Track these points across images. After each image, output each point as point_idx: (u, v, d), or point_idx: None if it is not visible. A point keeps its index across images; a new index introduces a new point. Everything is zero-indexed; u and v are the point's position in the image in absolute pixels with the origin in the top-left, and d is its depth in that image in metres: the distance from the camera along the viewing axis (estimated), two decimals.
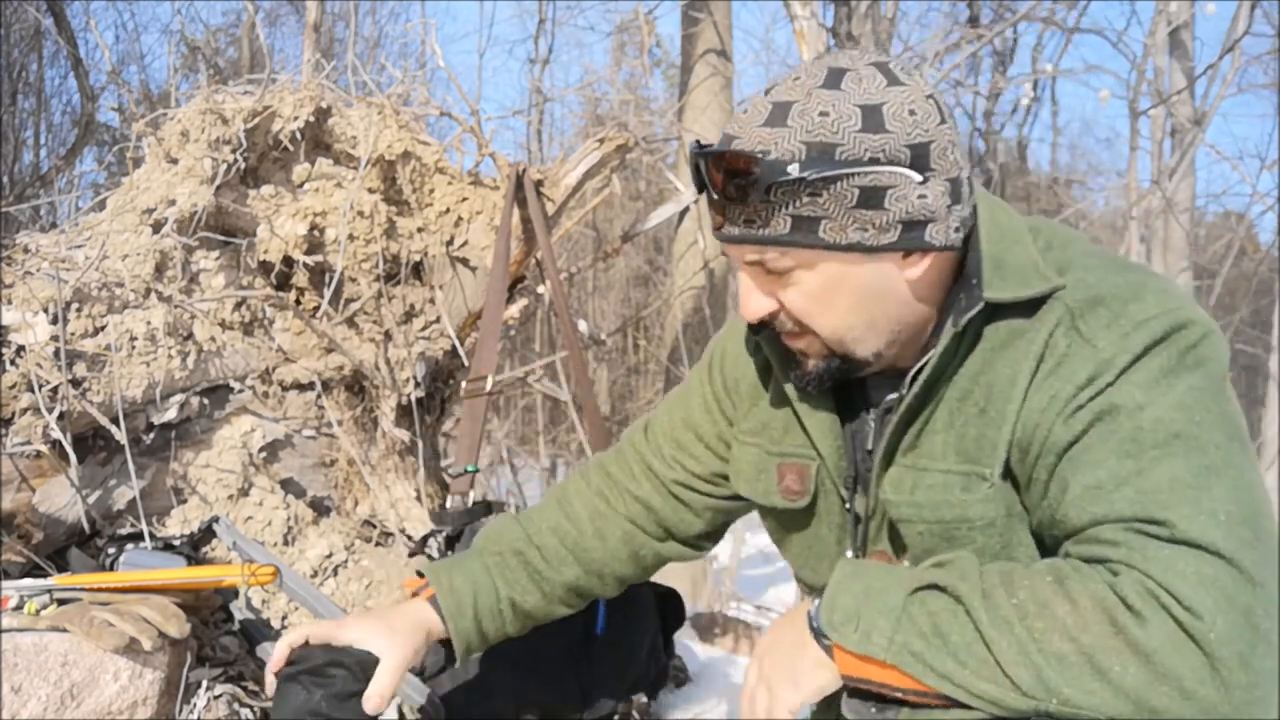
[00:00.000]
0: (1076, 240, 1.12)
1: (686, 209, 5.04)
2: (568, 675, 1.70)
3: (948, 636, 0.94)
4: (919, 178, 1.02)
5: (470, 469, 1.83)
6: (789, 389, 1.22)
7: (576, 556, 1.40)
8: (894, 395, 1.13)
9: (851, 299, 1.07)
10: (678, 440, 1.39)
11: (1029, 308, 1.05)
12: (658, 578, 1.89)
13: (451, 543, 1.73)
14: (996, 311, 1.06)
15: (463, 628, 1.32)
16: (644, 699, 1.74)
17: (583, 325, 3.49)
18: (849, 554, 1.20)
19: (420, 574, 1.37)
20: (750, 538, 6.20)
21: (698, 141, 1.08)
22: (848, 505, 1.19)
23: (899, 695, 0.98)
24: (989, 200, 1.12)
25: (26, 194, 4.95)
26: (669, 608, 1.86)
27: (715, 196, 1.06)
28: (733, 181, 1.03)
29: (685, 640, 2.76)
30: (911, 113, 1.02)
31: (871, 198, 1.02)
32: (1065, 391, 1.00)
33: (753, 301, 1.11)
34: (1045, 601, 0.93)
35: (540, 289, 2.45)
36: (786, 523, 1.28)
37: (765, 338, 1.21)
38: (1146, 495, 0.94)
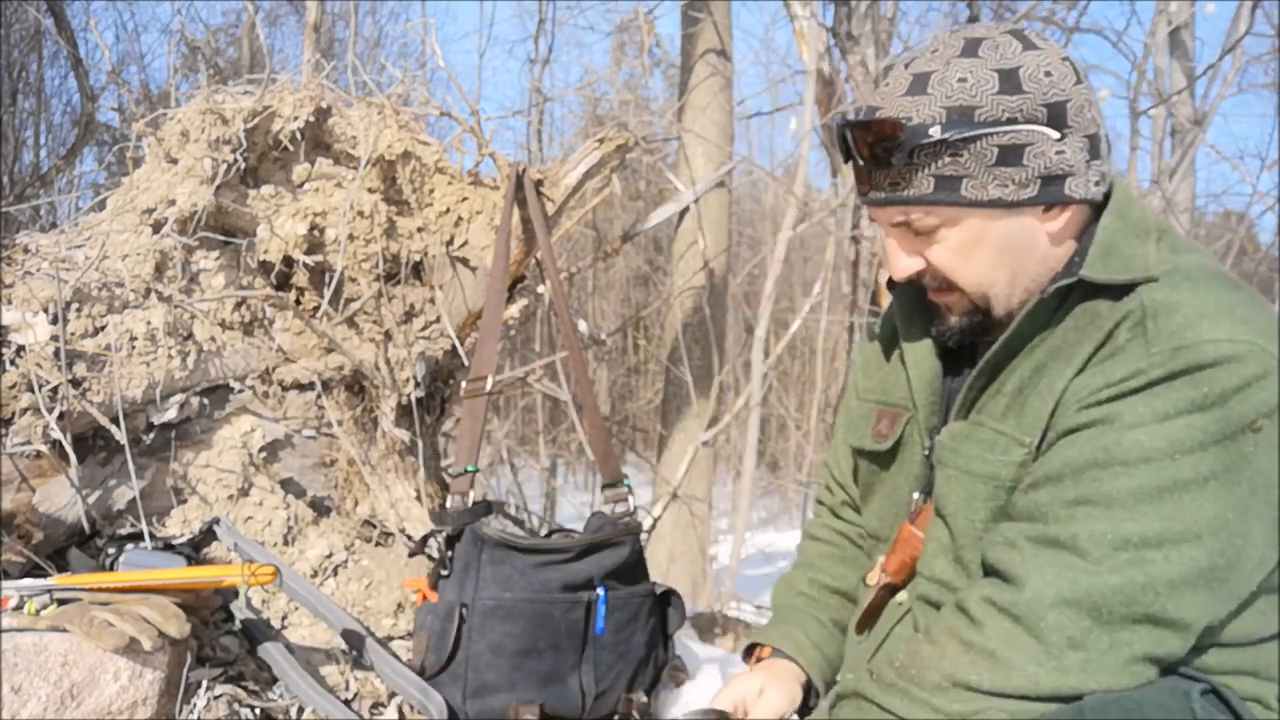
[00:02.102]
0: (1198, 253, 1.14)
1: (686, 209, 5.04)
2: (568, 675, 1.70)
3: None
4: (1056, 135, 1.08)
5: (470, 469, 1.83)
6: (905, 343, 1.30)
7: (851, 566, 1.47)
8: None
9: (993, 253, 1.13)
10: (844, 440, 1.48)
11: (1117, 294, 1.09)
12: (657, 578, 1.89)
13: (451, 543, 1.73)
14: (1091, 293, 1.11)
15: (811, 658, 1.40)
16: (644, 699, 1.74)
17: (583, 325, 3.49)
18: (915, 496, 1.27)
19: (749, 651, 1.50)
20: (750, 537, 6.20)
21: (843, 115, 1.16)
22: (926, 452, 1.25)
23: None
24: (1126, 195, 1.16)
25: (26, 194, 4.94)
26: (669, 608, 1.86)
27: (861, 163, 1.13)
28: (878, 147, 1.11)
29: (685, 640, 2.76)
30: (1047, 74, 1.08)
31: (1010, 155, 1.08)
32: (1098, 383, 1.05)
33: (901, 262, 1.18)
34: (915, 651, 1.07)
35: (540, 289, 2.45)
36: (873, 467, 1.35)
37: (898, 293, 1.31)
38: (1079, 505, 1.01)
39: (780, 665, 1.41)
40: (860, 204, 1.24)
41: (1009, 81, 1.07)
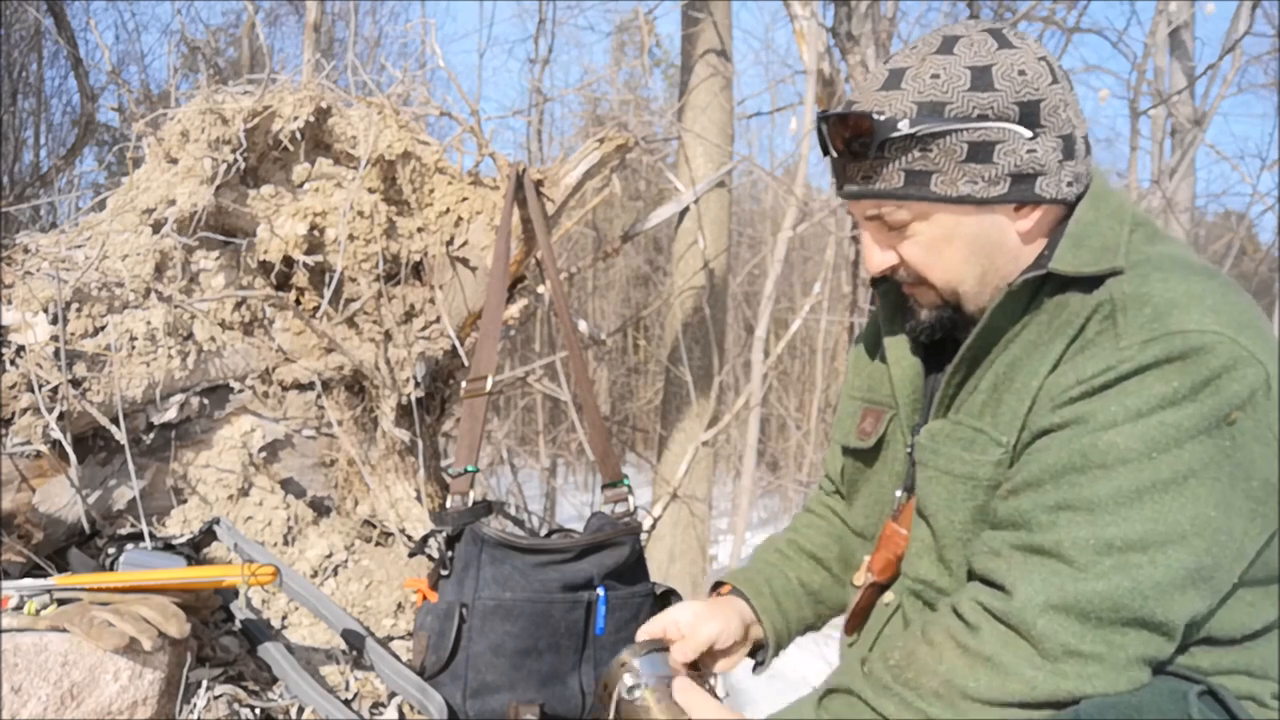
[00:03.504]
0: (1173, 244, 1.14)
1: (686, 209, 5.04)
2: (568, 675, 1.70)
3: None
4: (1028, 133, 1.08)
5: (470, 469, 1.83)
6: (888, 340, 1.31)
7: (833, 540, 1.48)
8: None
9: (964, 249, 1.14)
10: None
11: (1088, 286, 1.09)
12: (657, 578, 1.89)
13: (451, 543, 1.73)
14: (1063, 286, 1.11)
15: (765, 605, 1.40)
16: None
17: (583, 325, 3.49)
18: (898, 493, 1.27)
19: (717, 585, 1.49)
20: (750, 537, 6.20)
21: (823, 110, 1.17)
22: (909, 450, 1.25)
23: None
24: (1103, 187, 1.16)
25: (26, 194, 4.95)
26: (669, 608, 1.86)
27: (835, 156, 1.15)
28: (852, 141, 1.12)
29: None
30: (1021, 73, 1.08)
31: (980, 152, 1.08)
32: (1069, 380, 1.04)
33: (875, 255, 1.20)
34: (912, 652, 1.05)
35: (540, 289, 2.45)
36: (859, 467, 1.36)
37: (882, 291, 1.31)
38: (1060, 510, 1.00)
39: (727, 600, 1.41)
40: (838, 196, 1.24)
41: (981, 79, 1.08)
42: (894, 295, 1.29)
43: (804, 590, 1.44)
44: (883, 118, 1.09)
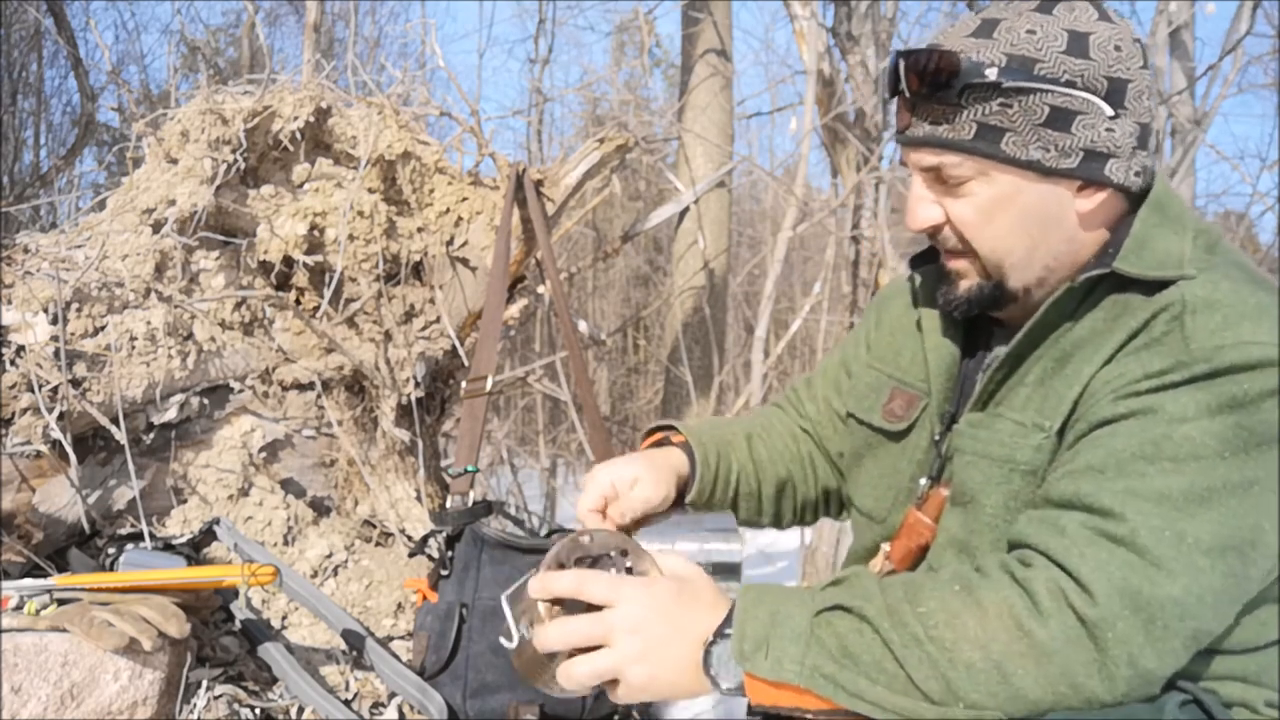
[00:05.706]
0: (1235, 253, 1.10)
1: (686, 209, 5.03)
2: None
3: (857, 657, 0.95)
4: (1110, 111, 1.05)
5: (470, 469, 1.83)
6: (925, 324, 1.26)
7: (785, 463, 1.43)
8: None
9: (1018, 219, 1.09)
10: (834, 380, 1.43)
11: (1151, 289, 1.05)
12: None
13: (451, 543, 1.73)
14: (1123, 287, 1.07)
15: (706, 475, 1.33)
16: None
17: (583, 325, 3.50)
18: (923, 482, 1.21)
19: (666, 429, 1.41)
20: (750, 537, 6.20)
21: (897, 50, 1.12)
22: (937, 438, 1.21)
23: (809, 717, 0.98)
24: (1166, 190, 1.12)
25: (26, 194, 4.95)
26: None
27: (908, 95, 1.09)
28: (928, 80, 1.06)
29: None
30: (1117, 48, 1.05)
31: (1060, 119, 1.05)
32: (1134, 373, 1.00)
33: (921, 209, 1.13)
34: (955, 612, 0.94)
35: (540, 289, 2.45)
36: (872, 443, 1.30)
37: (922, 272, 1.26)
38: (1129, 497, 0.95)
39: (666, 455, 1.31)
40: (896, 141, 1.19)
41: (1078, 44, 1.04)
42: (934, 277, 1.24)
43: (748, 481, 1.40)
44: (970, 61, 1.04)
